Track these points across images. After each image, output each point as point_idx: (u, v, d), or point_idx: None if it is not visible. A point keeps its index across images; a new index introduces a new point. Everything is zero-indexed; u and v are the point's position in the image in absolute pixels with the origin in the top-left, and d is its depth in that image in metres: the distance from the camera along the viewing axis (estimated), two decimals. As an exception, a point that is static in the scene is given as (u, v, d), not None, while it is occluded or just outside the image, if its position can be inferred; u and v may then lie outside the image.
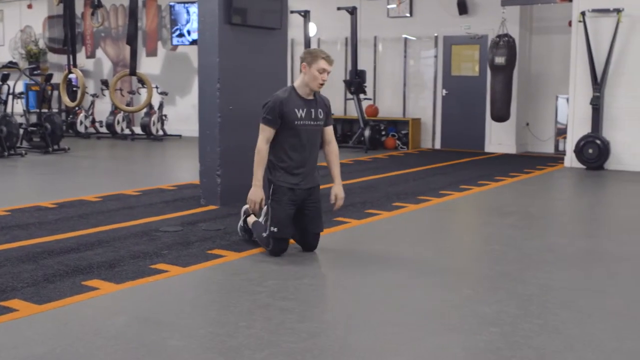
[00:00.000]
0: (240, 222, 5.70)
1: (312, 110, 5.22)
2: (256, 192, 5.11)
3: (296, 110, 5.14)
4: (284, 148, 5.18)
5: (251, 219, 5.57)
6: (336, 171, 5.36)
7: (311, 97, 5.24)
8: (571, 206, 8.37)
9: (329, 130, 5.42)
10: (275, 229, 5.16)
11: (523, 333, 3.64)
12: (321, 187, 5.37)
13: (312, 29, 14.33)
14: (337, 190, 5.33)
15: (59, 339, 3.54)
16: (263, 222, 5.36)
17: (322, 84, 5.18)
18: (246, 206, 5.68)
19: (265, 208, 5.35)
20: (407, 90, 14.39)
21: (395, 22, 14.27)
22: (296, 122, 5.13)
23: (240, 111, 7.38)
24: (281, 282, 4.55)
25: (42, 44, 17.93)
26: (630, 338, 3.62)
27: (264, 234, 5.24)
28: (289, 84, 11.52)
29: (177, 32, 15.92)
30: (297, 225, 5.28)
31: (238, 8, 7.26)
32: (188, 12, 15.59)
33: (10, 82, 12.87)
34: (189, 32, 15.66)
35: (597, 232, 6.65)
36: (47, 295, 4.21)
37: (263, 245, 5.29)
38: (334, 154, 5.39)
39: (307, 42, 13.66)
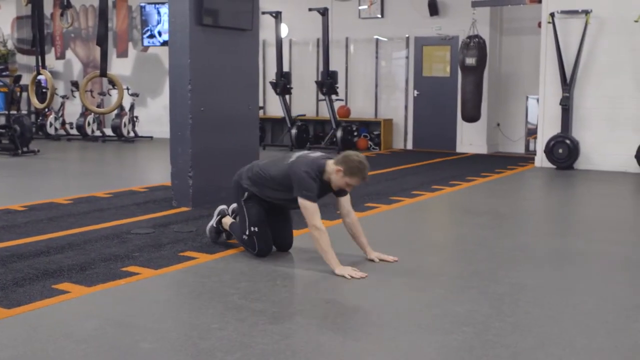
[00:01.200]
0: (213, 223, 5.64)
1: (321, 193, 5.03)
2: (343, 268, 4.77)
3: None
4: (271, 198, 5.13)
5: (227, 220, 5.55)
6: (364, 240, 5.19)
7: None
8: (542, 206, 8.44)
9: (347, 200, 5.16)
10: (256, 228, 5.17)
11: (495, 332, 3.66)
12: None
13: (284, 30, 14.32)
14: (375, 254, 5.16)
15: (29, 343, 3.50)
16: (237, 222, 5.37)
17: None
18: (221, 207, 5.66)
19: (233, 207, 5.43)
20: (379, 91, 14.43)
21: (366, 23, 14.31)
22: None
23: (212, 112, 7.36)
24: (253, 284, 4.54)
25: (10, 44, 17.71)
26: (600, 335, 3.66)
27: (245, 236, 5.22)
28: (260, 85, 11.51)
29: (148, 33, 15.82)
30: (271, 225, 5.27)
31: (209, 9, 7.23)
32: (159, 13, 15.50)
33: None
34: (159, 33, 15.57)
35: (567, 231, 6.72)
36: (16, 299, 4.16)
37: (248, 249, 5.27)
38: (357, 224, 5.19)
39: (279, 43, 13.65)
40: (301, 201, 4.86)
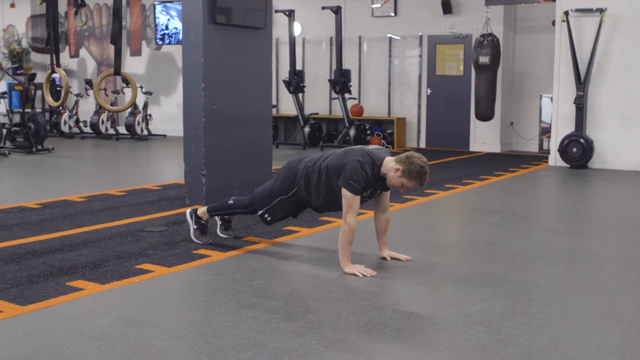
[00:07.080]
0: (194, 226, 5.57)
1: (375, 189, 4.91)
2: (352, 266, 4.78)
3: (366, 188, 4.83)
4: (321, 196, 5.02)
5: (202, 211, 5.56)
6: (385, 239, 5.15)
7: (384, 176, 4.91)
8: (555, 205, 8.41)
9: (387, 196, 5.09)
10: (269, 218, 5.25)
11: (508, 331, 3.65)
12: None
13: (297, 29, 14.33)
14: (388, 253, 5.14)
15: (43, 340, 3.52)
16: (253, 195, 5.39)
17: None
18: (190, 210, 5.63)
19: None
20: (392, 89, 14.41)
21: (379, 22, 14.29)
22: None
23: (225, 111, 7.38)
24: (266, 282, 4.55)
25: (25, 43, 17.81)
26: (614, 335, 3.64)
27: (252, 208, 5.33)
28: (273, 84, 11.51)
29: (162, 32, 15.85)
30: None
31: (222, 7, 7.24)
32: (168, 13, 15.51)
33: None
34: (170, 34, 15.59)
35: (581, 231, 6.69)
36: (31, 296, 4.19)
37: (239, 209, 5.42)
38: (387, 223, 5.12)
39: (292, 41, 13.65)
40: (344, 191, 4.74)
